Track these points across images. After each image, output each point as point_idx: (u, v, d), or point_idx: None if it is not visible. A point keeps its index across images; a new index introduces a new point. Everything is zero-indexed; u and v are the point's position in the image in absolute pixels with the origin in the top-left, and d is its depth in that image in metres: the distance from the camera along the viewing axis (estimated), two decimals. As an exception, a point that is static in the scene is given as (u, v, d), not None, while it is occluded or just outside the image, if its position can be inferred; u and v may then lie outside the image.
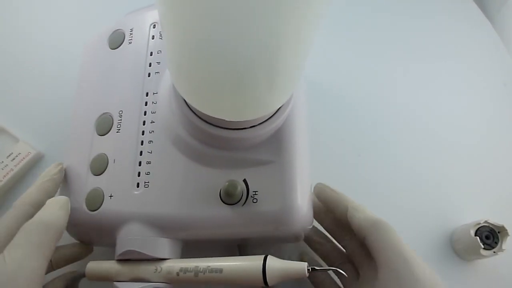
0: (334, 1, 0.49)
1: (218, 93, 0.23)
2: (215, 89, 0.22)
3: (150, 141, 0.29)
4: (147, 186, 0.28)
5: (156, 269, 0.26)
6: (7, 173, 0.37)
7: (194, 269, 0.25)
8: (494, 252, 0.35)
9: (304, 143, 0.29)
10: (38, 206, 0.26)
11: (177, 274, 0.26)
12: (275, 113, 0.27)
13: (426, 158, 0.42)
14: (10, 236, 0.24)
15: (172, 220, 0.27)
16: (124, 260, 0.27)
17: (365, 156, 0.41)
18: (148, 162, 0.28)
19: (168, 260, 0.27)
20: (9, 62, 0.43)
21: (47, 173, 0.29)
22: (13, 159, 0.37)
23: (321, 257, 0.34)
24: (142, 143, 0.29)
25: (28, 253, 0.22)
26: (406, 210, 0.39)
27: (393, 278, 0.25)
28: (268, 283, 0.24)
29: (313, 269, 0.23)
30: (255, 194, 0.27)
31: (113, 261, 0.28)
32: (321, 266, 0.27)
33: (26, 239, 0.23)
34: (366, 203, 0.40)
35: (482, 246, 0.35)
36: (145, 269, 0.26)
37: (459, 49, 0.49)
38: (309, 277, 0.30)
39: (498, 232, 0.35)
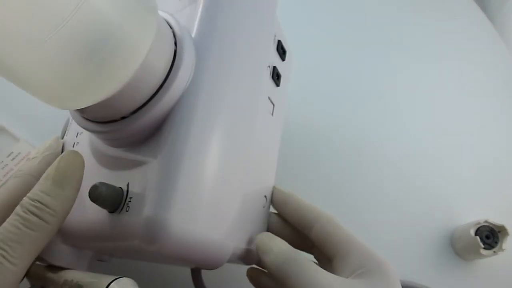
0: (334, 1, 0.49)
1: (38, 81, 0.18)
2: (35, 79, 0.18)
3: (77, 143, 0.26)
4: None
5: (54, 278, 0.23)
6: (7, 173, 0.37)
7: (69, 282, 0.22)
8: (494, 252, 0.35)
9: (216, 138, 0.21)
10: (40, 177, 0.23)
11: (61, 286, 0.23)
12: (151, 98, 0.21)
13: (426, 157, 0.42)
14: (11, 207, 0.21)
15: (67, 227, 0.23)
16: (53, 266, 0.25)
17: (365, 156, 0.41)
18: None
19: (67, 270, 0.24)
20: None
21: (48, 147, 0.26)
22: (13, 158, 0.37)
23: None
24: (73, 145, 0.27)
25: (19, 253, 0.19)
26: (406, 210, 0.39)
27: None
28: None
29: None
30: (130, 201, 0.21)
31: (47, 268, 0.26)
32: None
33: (21, 234, 0.19)
34: (366, 203, 0.40)
35: (482, 246, 0.35)
36: (51, 277, 0.24)
37: (460, 48, 0.49)
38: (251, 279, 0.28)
39: (498, 232, 0.35)
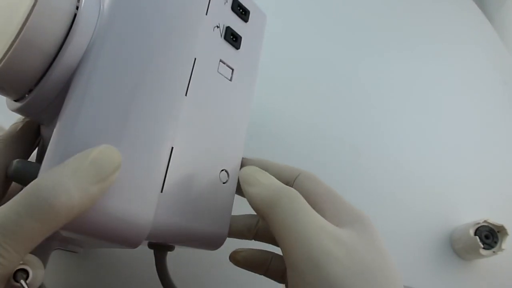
0: (334, 1, 0.49)
1: None
2: None
3: None
4: None
5: None
6: (7, 173, 0.37)
7: None
8: (493, 251, 0.35)
9: (117, 101, 0.19)
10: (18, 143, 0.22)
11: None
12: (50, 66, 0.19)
13: (426, 157, 0.42)
14: None
15: None
16: None
17: (365, 155, 0.41)
18: None
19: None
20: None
21: None
22: (13, 159, 0.37)
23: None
24: None
25: (17, 247, 0.15)
26: (406, 210, 0.39)
27: (302, 284, 0.18)
28: None
29: None
30: None
31: None
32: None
33: (23, 223, 0.15)
34: (366, 202, 0.40)
35: (482, 246, 0.35)
36: None
37: (459, 48, 0.49)
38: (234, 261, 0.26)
39: (498, 232, 0.35)
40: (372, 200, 0.39)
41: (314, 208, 0.20)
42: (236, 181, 0.25)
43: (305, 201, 0.20)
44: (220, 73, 0.25)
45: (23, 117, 0.23)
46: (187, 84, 0.22)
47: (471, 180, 0.41)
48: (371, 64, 0.46)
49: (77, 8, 0.20)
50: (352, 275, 0.17)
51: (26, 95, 0.20)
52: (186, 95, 0.22)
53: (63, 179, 0.16)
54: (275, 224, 0.19)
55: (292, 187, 0.22)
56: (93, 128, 0.18)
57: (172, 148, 0.21)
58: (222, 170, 0.24)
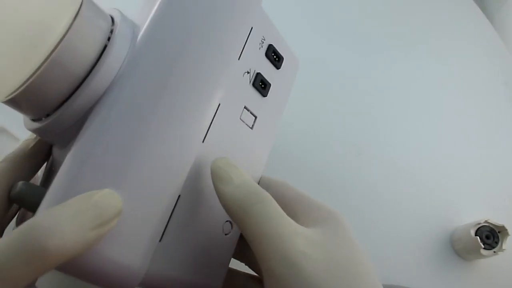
0: (332, 2, 0.49)
1: None
2: None
3: None
4: None
5: None
6: (7, 174, 0.37)
7: None
8: (494, 252, 0.35)
9: (131, 143, 0.18)
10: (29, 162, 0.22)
11: None
12: (75, 91, 0.19)
13: (426, 157, 0.42)
14: None
15: None
16: None
17: (365, 155, 0.41)
18: None
19: None
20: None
21: None
22: (13, 159, 0.37)
23: None
24: None
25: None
26: (406, 210, 0.39)
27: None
28: None
29: None
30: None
31: None
32: None
33: (12, 264, 0.14)
34: (366, 203, 0.40)
35: (483, 246, 0.35)
36: None
37: (459, 48, 0.49)
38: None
39: (499, 232, 0.35)
40: (373, 200, 0.39)
41: (285, 210, 0.20)
42: (239, 233, 0.23)
43: (277, 205, 0.19)
44: (242, 120, 0.23)
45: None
46: (206, 131, 0.21)
47: (471, 180, 0.41)
48: (371, 65, 0.46)
49: (108, 39, 0.20)
50: (327, 271, 0.18)
51: (43, 118, 0.20)
52: (203, 141, 0.21)
53: (61, 221, 0.15)
54: (248, 229, 0.19)
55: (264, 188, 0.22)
56: (100, 170, 0.18)
57: (179, 196, 0.20)
58: (227, 221, 0.23)
